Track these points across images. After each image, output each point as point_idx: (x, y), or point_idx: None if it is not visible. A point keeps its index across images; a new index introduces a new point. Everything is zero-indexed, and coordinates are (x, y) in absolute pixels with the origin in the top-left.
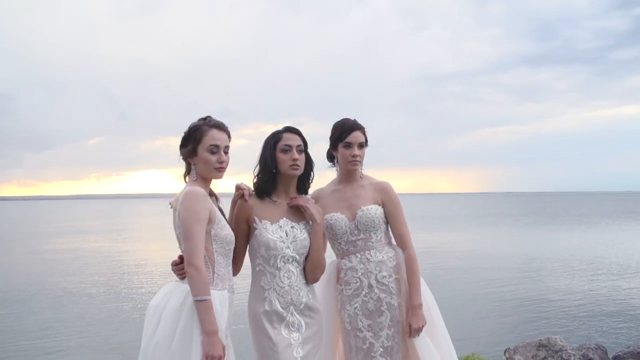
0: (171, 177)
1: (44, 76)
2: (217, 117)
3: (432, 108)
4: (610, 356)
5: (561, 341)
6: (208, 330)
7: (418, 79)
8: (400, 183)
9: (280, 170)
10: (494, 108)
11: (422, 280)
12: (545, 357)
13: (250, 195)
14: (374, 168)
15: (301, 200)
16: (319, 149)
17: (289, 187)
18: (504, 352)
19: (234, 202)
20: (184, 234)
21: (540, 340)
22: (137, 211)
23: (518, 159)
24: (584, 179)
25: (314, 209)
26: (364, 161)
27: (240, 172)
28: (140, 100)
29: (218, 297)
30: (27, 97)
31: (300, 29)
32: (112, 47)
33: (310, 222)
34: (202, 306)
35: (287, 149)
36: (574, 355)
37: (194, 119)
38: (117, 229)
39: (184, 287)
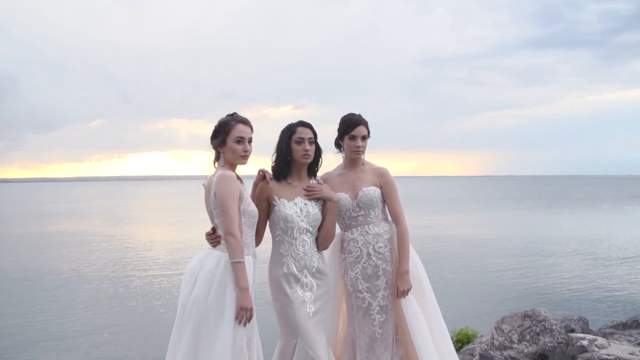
0: (172, 159)
1: (46, 58)
2: (219, 100)
3: (434, 91)
4: (591, 328)
5: (545, 312)
6: (242, 287)
7: (421, 63)
8: (403, 166)
9: (294, 158)
10: (497, 92)
11: (413, 251)
12: (529, 326)
13: (269, 178)
14: (376, 151)
15: (317, 192)
16: (321, 131)
17: (301, 172)
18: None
19: (255, 184)
20: (222, 209)
21: (526, 311)
22: (140, 193)
23: (520, 142)
24: (586, 162)
25: (328, 192)
26: (366, 150)
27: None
28: (142, 83)
29: (245, 261)
30: (29, 79)
31: (302, 12)
32: (113, 30)
33: (322, 201)
34: (237, 267)
35: (300, 141)
36: (556, 324)
37: (196, 101)
38: (123, 212)
39: (217, 252)
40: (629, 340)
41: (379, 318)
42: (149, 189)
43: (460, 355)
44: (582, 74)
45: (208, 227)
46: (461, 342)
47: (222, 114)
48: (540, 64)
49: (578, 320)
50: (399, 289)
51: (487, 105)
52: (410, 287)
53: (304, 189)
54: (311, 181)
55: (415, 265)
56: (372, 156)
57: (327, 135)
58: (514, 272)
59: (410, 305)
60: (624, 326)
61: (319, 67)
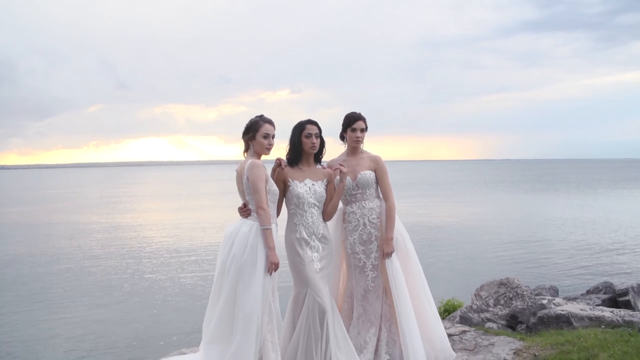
0: (170, 145)
1: (43, 45)
2: (216, 84)
3: (433, 74)
4: (561, 296)
5: (518, 281)
6: (270, 247)
7: (419, 45)
8: (401, 150)
9: (304, 149)
10: (495, 74)
11: (399, 222)
12: (504, 293)
13: (284, 165)
14: (375, 136)
15: (343, 173)
16: (318, 114)
17: (309, 159)
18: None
19: (274, 170)
20: (254, 189)
21: (502, 279)
22: (140, 179)
23: (518, 125)
24: (585, 146)
25: (344, 176)
26: (367, 135)
27: (238, 140)
28: (139, 68)
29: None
30: (26, 66)
31: None
32: (109, 16)
33: (327, 182)
34: (267, 232)
35: (309, 136)
36: (527, 290)
37: (192, 87)
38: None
39: (249, 221)
40: (587, 303)
41: (371, 274)
42: (149, 175)
43: (445, 322)
44: (581, 57)
45: (205, 214)
46: (448, 311)
47: (219, 99)
48: (539, 46)
49: (549, 288)
50: (384, 251)
51: (485, 88)
52: (393, 250)
53: (340, 165)
54: (317, 166)
55: (402, 233)
56: (371, 140)
57: (324, 118)
58: (506, 251)
59: (392, 264)
60: (588, 292)
61: (315, 51)
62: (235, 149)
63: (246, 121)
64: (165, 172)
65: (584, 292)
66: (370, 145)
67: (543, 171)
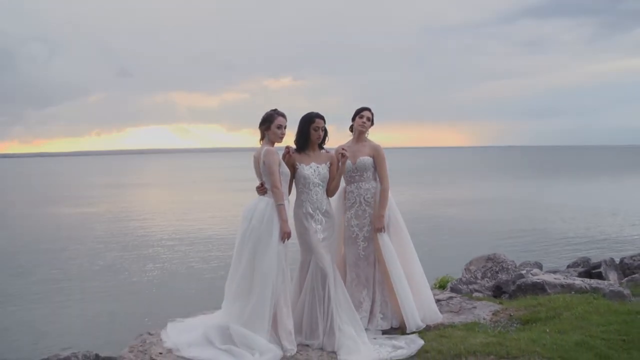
0: (172, 133)
1: (43, 32)
2: (218, 71)
3: (435, 60)
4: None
5: (504, 256)
6: (284, 219)
7: (422, 31)
8: (404, 137)
9: (310, 139)
10: (498, 61)
11: (392, 201)
12: (491, 267)
13: (292, 152)
14: (378, 124)
15: (344, 157)
16: (321, 103)
17: (314, 146)
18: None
19: (284, 155)
20: (269, 172)
21: (489, 255)
22: (144, 167)
23: (521, 112)
24: (588, 132)
25: (344, 160)
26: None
27: (241, 127)
28: (140, 56)
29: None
30: (27, 55)
31: None
32: (110, 3)
33: (329, 164)
34: (280, 207)
35: (317, 129)
36: (511, 264)
37: (194, 74)
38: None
39: (265, 198)
40: (565, 276)
41: (362, 245)
42: (152, 163)
43: (436, 290)
44: (585, 43)
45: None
46: (443, 287)
47: (221, 86)
48: (543, 32)
49: (534, 264)
50: (375, 226)
51: (487, 74)
52: (382, 226)
53: (342, 150)
54: (321, 151)
55: (394, 211)
56: (375, 127)
57: (326, 106)
58: (503, 232)
59: (383, 237)
60: (568, 267)
61: (318, 38)
62: (238, 137)
63: (249, 109)
64: (168, 160)
65: (565, 267)
66: (375, 132)
67: (548, 158)
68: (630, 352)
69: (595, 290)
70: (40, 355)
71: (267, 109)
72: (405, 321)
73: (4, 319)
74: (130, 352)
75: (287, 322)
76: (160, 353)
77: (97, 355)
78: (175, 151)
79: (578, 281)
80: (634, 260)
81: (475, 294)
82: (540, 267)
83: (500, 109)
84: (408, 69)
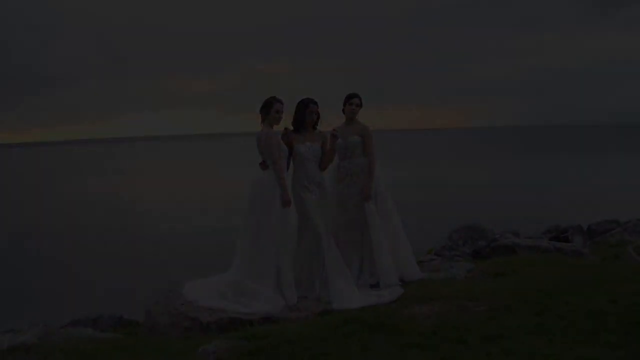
0: (166, 119)
1: (35, 18)
2: (212, 57)
3: (427, 40)
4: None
5: (483, 225)
6: (284, 189)
7: (415, 10)
8: (402, 119)
9: (306, 121)
10: (489, 41)
11: (380, 176)
12: (471, 235)
13: (290, 132)
14: (370, 105)
15: (334, 137)
16: (315, 87)
17: (309, 127)
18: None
19: (282, 136)
20: (270, 150)
21: (470, 224)
22: (140, 155)
23: (516, 91)
24: (582, 111)
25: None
26: (364, 105)
27: (238, 112)
28: (134, 41)
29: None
30: (18, 41)
31: None
32: None
33: (322, 142)
34: (281, 180)
35: (312, 114)
36: (490, 233)
37: (190, 59)
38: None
39: (268, 172)
40: (535, 240)
41: (352, 211)
42: (149, 150)
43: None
44: (577, 21)
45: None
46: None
47: (218, 72)
48: (535, 10)
49: (512, 233)
50: (363, 196)
51: (480, 54)
52: (369, 194)
53: (333, 130)
54: (315, 132)
55: (379, 183)
56: (367, 109)
57: (320, 90)
58: (491, 206)
59: (369, 207)
60: (542, 233)
61: (313, 21)
62: (232, 122)
63: (244, 94)
64: (164, 147)
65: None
66: (368, 113)
67: (546, 136)
68: (570, 292)
69: (559, 250)
70: (72, 316)
71: (261, 93)
72: (381, 277)
73: (38, 285)
74: (156, 304)
75: (289, 277)
76: (182, 304)
77: (121, 317)
78: (171, 137)
79: (545, 243)
80: (599, 226)
81: (456, 259)
82: (517, 235)
83: (494, 88)
84: (401, 48)
